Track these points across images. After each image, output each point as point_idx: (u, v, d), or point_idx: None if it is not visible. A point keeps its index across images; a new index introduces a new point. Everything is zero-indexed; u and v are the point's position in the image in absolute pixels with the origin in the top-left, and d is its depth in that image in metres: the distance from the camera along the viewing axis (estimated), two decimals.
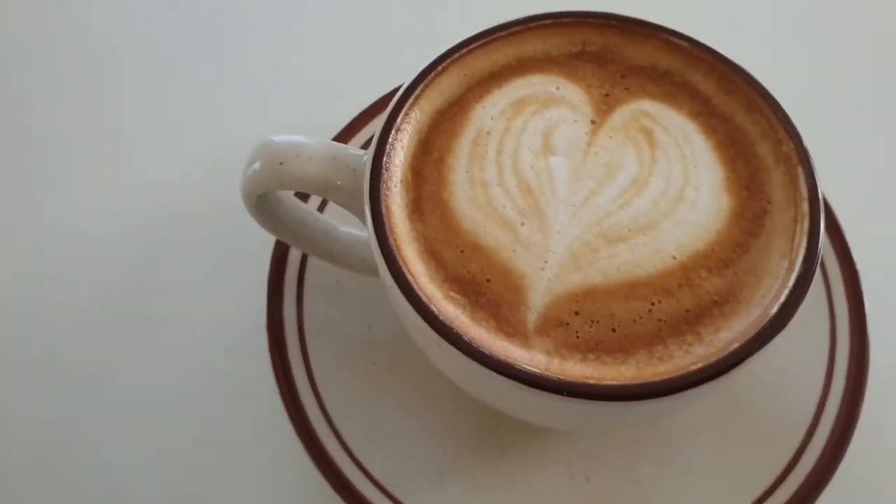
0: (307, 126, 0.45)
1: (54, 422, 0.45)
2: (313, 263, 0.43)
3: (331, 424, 0.39)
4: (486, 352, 0.26)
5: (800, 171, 0.34)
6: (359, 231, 0.41)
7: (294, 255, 0.48)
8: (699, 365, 0.29)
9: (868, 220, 0.52)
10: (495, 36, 0.39)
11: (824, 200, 0.37)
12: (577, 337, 0.31)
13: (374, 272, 0.34)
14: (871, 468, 0.43)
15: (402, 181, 0.33)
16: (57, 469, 0.42)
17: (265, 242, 0.43)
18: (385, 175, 0.35)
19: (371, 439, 0.39)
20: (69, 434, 0.43)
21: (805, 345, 0.43)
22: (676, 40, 0.38)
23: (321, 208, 0.51)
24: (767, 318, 0.27)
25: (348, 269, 0.45)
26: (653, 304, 0.32)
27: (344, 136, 0.51)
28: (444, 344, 0.27)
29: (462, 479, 0.38)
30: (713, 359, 0.29)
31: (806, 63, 0.64)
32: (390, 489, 0.37)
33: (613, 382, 0.29)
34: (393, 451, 0.38)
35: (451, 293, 0.31)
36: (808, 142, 0.36)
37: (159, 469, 0.41)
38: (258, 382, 0.46)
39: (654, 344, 0.28)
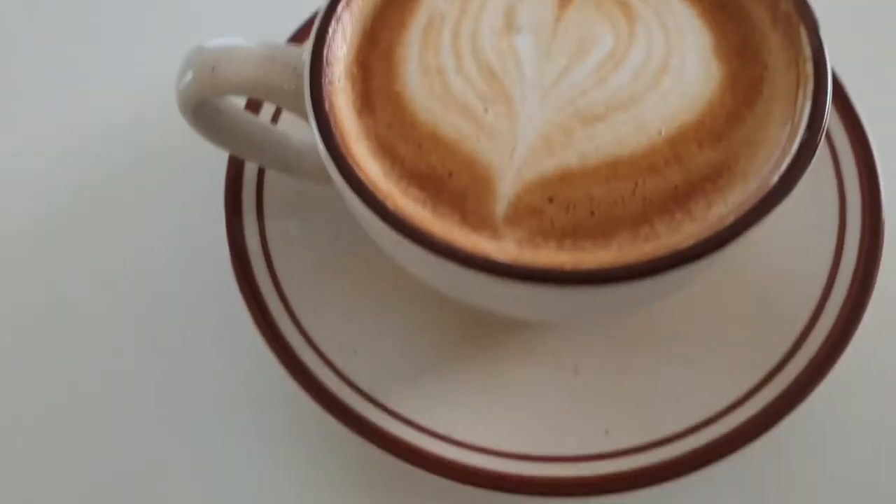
0: (263, 31, 0.41)
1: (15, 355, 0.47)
2: (270, 177, 0.40)
3: (305, 336, 0.38)
4: (450, 244, 0.23)
5: (802, 30, 0.29)
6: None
7: (250, 171, 0.45)
8: (690, 241, 0.26)
9: (879, 89, 0.47)
10: None
11: (831, 67, 0.33)
12: (552, 224, 0.28)
13: (331, 179, 0.31)
14: (886, 344, 0.41)
15: (346, 75, 0.29)
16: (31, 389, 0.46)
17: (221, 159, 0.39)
18: (327, 70, 0.32)
19: (349, 348, 0.37)
20: (30, 363, 0.47)
21: (811, 221, 0.39)
22: None
23: (275, 118, 0.47)
24: (768, 188, 0.24)
25: (306, 179, 0.42)
26: (636, 183, 0.28)
27: (300, 36, 0.46)
28: (405, 242, 0.24)
29: (444, 378, 0.37)
30: (706, 234, 0.26)
31: None
32: (373, 394, 0.36)
33: (590, 266, 0.25)
34: (372, 357, 0.37)
35: (411, 189, 0.28)
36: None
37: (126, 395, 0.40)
38: (227, 306, 0.43)
39: (639, 225, 0.25)
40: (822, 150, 0.43)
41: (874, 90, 0.47)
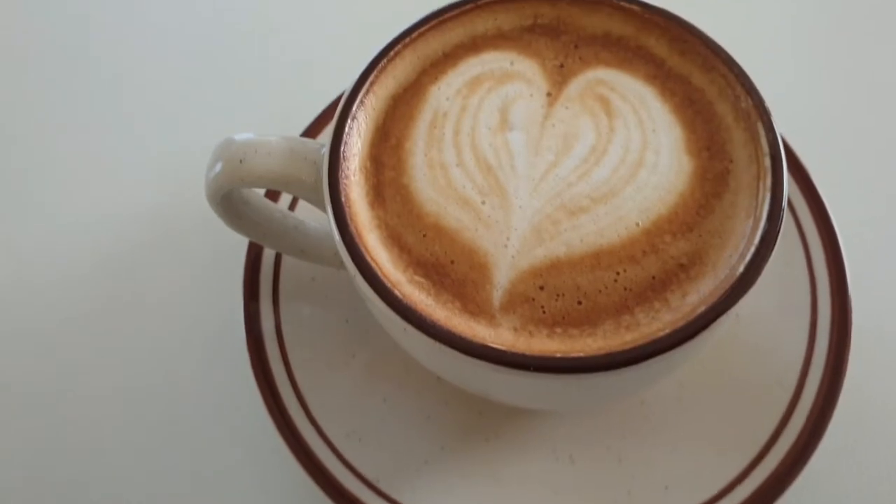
0: (278, 124, 0.45)
1: (36, 432, 0.45)
2: (287, 264, 0.43)
3: (314, 423, 0.39)
4: (451, 332, 0.26)
5: (760, 127, 0.33)
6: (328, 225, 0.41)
7: (268, 257, 0.48)
8: (666, 331, 0.29)
9: (843, 173, 0.51)
10: (446, 17, 0.39)
11: (793, 154, 0.37)
12: (544, 312, 0.31)
13: (344, 264, 0.34)
14: (861, 423, 0.43)
15: (360, 169, 0.33)
16: (43, 472, 0.42)
17: (239, 244, 0.43)
18: (343, 164, 0.35)
19: (355, 435, 0.39)
20: (51, 440, 0.46)
21: (785, 304, 0.42)
22: (628, 5, 0.38)
23: (292, 206, 0.51)
24: (734, 278, 0.27)
25: (321, 263, 0.45)
26: (618, 273, 0.32)
27: (313, 130, 0.50)
28: (410, 328, 0.27)
29: (448, 468, 0.38)
30: (680, 323, 0.29)
31: (773, 22, 0.63)
32: (377, 484, 0.37)
33: (579, 354, 0.28)
34: (378, 445, 0.39)
35: (416, 277, 0.31)
36: (773, 98, 0.36)
37: (142, 473, 0.42)
38: (239, 387, 0.46)
39: (621, 313, 0.28)
40: (791, 234, 0.47)
41: (838, 161, 0.51)
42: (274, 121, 0.57)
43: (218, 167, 0.33)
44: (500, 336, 0.27)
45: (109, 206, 0.54)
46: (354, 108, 0.36)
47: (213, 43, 0.61)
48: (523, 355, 0.29)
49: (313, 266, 0.46)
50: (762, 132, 0.35)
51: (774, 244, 0.28)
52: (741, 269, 0.28)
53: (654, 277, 0.29)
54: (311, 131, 0.52)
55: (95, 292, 0.55)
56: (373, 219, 0.30)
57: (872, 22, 0.66)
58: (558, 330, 0.31)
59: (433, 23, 0.40)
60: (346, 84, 0.41)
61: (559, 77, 0.39)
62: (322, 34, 0.61)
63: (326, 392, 0.40)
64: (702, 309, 0.30)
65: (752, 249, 0.31)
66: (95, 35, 0.63)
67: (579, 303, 0.32)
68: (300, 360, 0.42)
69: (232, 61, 0.59)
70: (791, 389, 0.41)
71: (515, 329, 0.27)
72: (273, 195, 0.47)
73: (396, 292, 0.27)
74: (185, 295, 0.49)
